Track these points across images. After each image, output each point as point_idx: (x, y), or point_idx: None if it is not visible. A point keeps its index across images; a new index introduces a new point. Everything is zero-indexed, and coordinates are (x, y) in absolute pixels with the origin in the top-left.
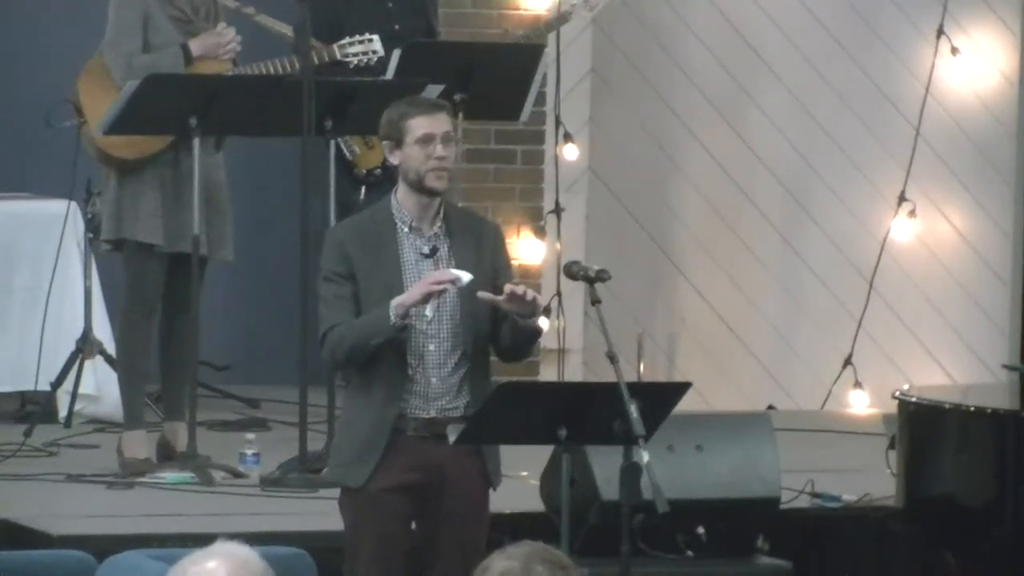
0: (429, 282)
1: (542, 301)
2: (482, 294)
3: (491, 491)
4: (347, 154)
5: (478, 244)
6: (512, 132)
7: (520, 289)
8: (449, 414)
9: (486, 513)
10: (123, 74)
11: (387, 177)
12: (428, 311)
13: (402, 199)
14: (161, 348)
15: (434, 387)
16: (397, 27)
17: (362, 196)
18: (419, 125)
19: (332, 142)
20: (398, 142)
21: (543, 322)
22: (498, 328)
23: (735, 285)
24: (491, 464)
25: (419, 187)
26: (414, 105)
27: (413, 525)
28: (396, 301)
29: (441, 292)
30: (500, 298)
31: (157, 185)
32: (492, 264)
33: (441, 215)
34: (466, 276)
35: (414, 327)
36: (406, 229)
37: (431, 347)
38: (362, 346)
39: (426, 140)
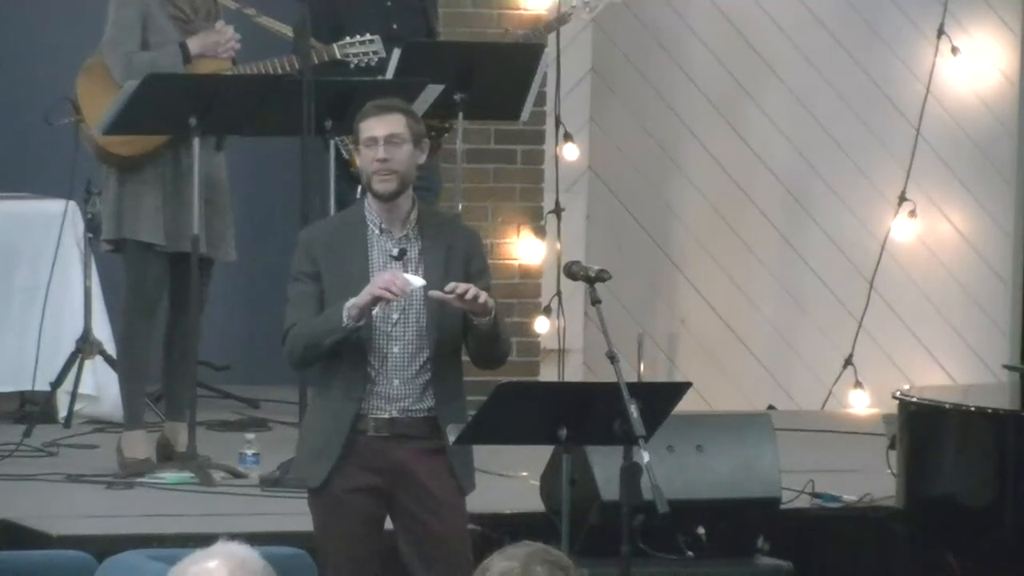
0: (379, 286)
1: (491, 302)
2: (433, 293)
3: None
4: (344, 153)
5: (450, 248)
6: (512, 132)
7: (462, 287)
8: (412, 415)
9: (461, 509)
10: (122, 72)
11: None
12: (394, 313)
13: (372, 200)
14: (166, 349)
15: (396, 388)
16: (395, 26)
17: (359, 195)
18: (366, 128)
19: (332, 141)
20: (356, 145)
21: (542, 323)
22: (465, 337)
23: (735, 285)
24: (460, 467)
25: (369, 190)
26: (368, 107)
27: (385, 526)
28: (350, 303)
29: (389, 300)
30: (448, 296)
31: (158, 185)
32: (465, 269)
33: (413, 217)
34: (417, 281)
35: (376, 328)
36: (376, 231)
37: (395, 349)
38: (316, 345)
39: (369, 143)
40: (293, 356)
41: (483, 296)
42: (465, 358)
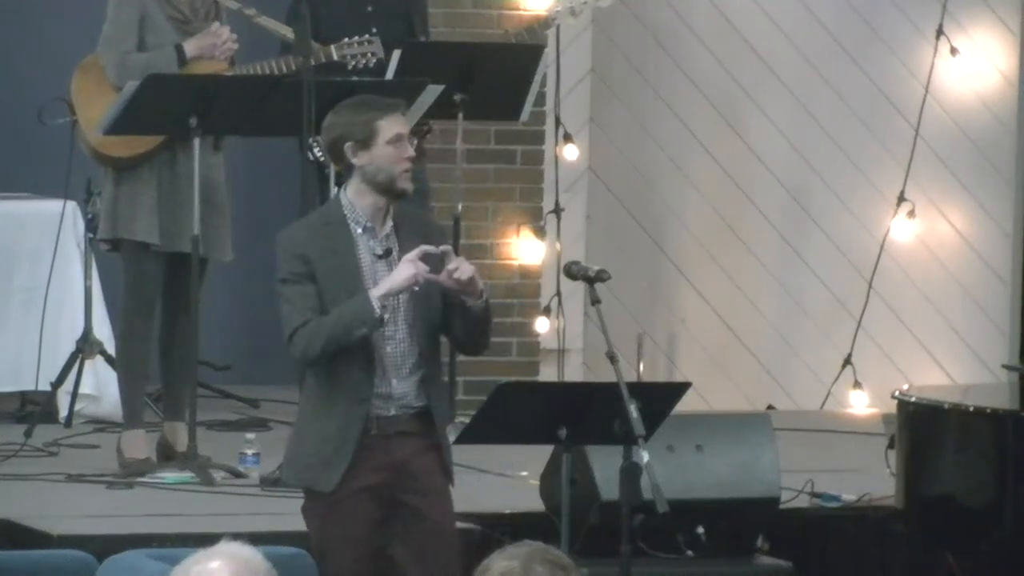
0: (412, 272)
1: (480, 282)
2: (430, 277)
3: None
4: (320, 154)
5: (426, 242)
6: (512, 132)
7: (460, 267)
8: (408, 412)
9: (450, 505)
10: (116, 72)
11: None
12: (385, 313)
13: (355, 199)
14: (162, 348)
15: (395, 388)
16: (375, 30)
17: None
18: (389, 126)
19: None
20: (364, 143)
21: (542, 323)
22: (449, 323)
23: (735, 285)
24: (449, 461)
25: (387, 188)
26: (379, 106)
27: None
28: (380, 291)
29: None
30: (443, 278)
31: (154, 185)
32: (443, 264)
33: (390, 214)
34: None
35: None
36: (360, 230)
37: (388, 349)
38: (340, 339)
39: (398, 140)
40: (308, 354)
41: (474, 271)
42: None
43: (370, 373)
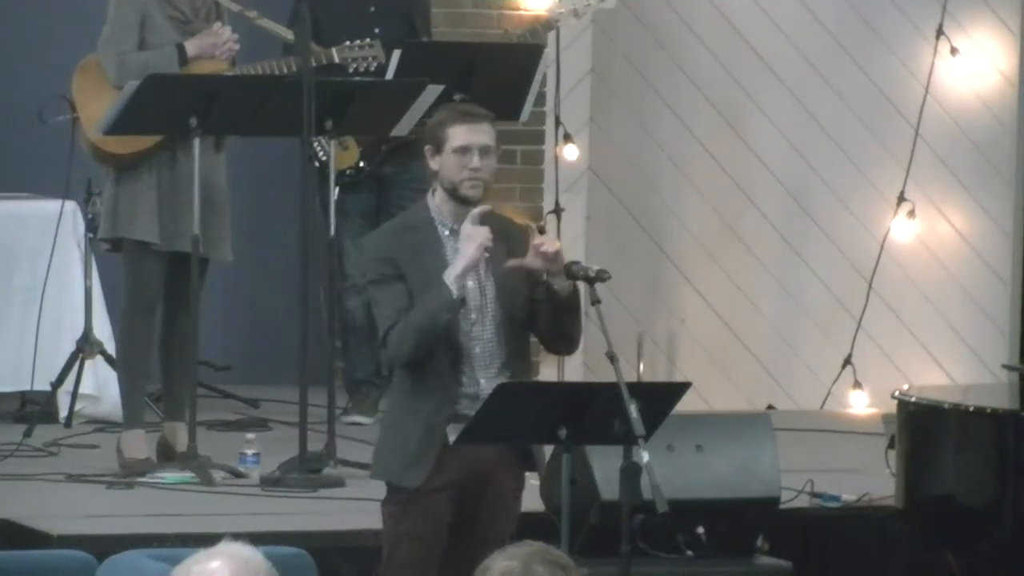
0: (477, 243)
1: (564, 255)
2: (512, 262)
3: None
4: (321, 155)
5: (508, 245)
6: (512, 132)
7: (542, 240)
8: None
9: (516, 514)
10: (116, 72)
11: (361, 179)
12: (472, 313)
13: (440, 203)
14: (161, 348)
15: (483, 388)
16: (377, 31)
17: (335, 197)
18: (457, 135)
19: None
20: (437, 148)
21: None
22: (536, 320)
23: (735, 285)
24: (539, 456)
25: (453, 195)
26: (456, 113)
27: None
28: (452, 275)
29: (489, 247)
30: (528, 258)
31: (154, 184)
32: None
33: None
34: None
35: (460, 330)
36: (446, 232)
37: (477, 350)
38: (430, 328)
39: (463, 151)
40: (402, 351)
41: (560, 245)
42: None
43: (457, 372)
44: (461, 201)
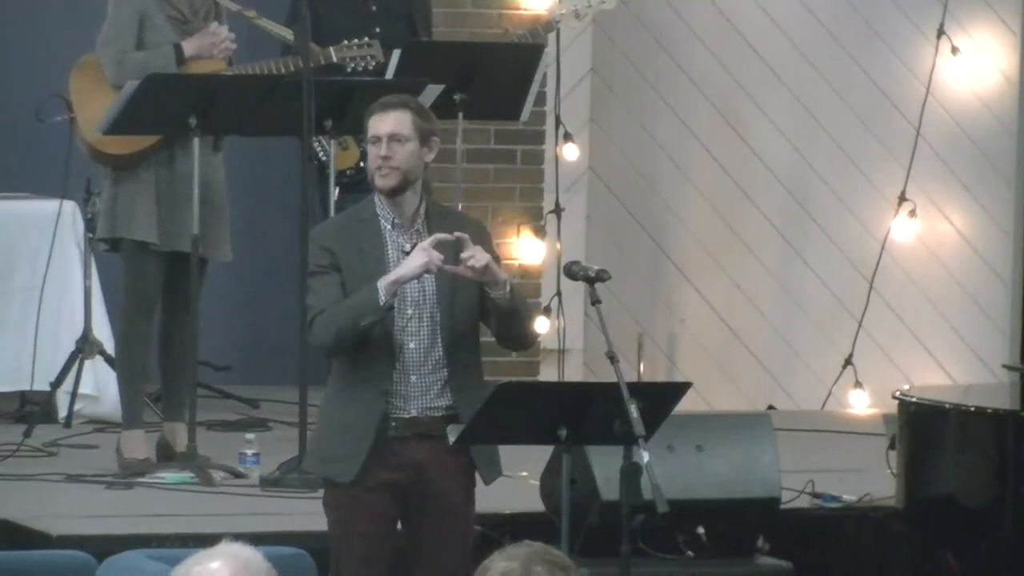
0: (424, 260)
1: (502, 273)
2: (447, 267)
3: (485, 486)
4: (321, 155)
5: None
6: (512, 132)
7: (470, 252)
8: (430, 414)
9: (470, 510)
10: (114, 71)
11: (360, 179)
12: (409, 308)
13: (380, 197)
14: (161, 348)
15: (413, 385)
16: (378, 30)
17: (335, 197)
18: (371, 125)
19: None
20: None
21: (542, 323)
22: (487, 320)
23: (735, 285)
24: (483, 459)
25: (372, 185)
26: (376, 103)
27: (399, 525)
28: (386, 280)
29: (432, 272)
30: (459, 267)
31: (152, 184)
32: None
33: (423, 212)
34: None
35: (395, 324)
36: (389, 226)
37: (411, 345)
38: (350, 328)
39: (373, 141)
40: (325, 341)
41: (488, 259)
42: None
43: (390, 368)
44: (377, 191)
